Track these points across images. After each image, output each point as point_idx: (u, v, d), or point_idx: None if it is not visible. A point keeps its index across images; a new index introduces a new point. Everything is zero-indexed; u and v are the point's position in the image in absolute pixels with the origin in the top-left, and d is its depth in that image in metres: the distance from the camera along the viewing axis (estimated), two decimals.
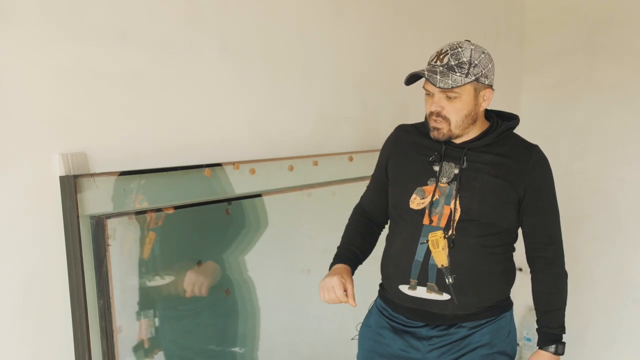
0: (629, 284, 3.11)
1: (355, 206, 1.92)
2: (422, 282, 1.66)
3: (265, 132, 2.13)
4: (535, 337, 1.80)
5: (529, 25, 3.38)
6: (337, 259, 1.76)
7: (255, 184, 2.07)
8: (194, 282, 1.89)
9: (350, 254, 1.77)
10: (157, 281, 1.82)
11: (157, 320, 1.81)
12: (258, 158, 2.08)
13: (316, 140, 2.32)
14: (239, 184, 2.02)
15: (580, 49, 3.19)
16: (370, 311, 1.87)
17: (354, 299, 1.63)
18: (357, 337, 1.88)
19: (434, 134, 1.66)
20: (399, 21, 2.60)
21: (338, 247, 1.80)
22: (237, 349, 2.08)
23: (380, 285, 1.85)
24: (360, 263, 1.79)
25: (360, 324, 1.87)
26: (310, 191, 2.25)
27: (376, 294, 1.87)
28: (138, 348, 1.77)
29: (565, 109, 3.28)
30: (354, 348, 1.91)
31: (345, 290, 1.63)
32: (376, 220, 1.87)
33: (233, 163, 1.98)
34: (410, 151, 1.75)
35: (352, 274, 1.73)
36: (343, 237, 1.84)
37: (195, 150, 1.92)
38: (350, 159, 2.42)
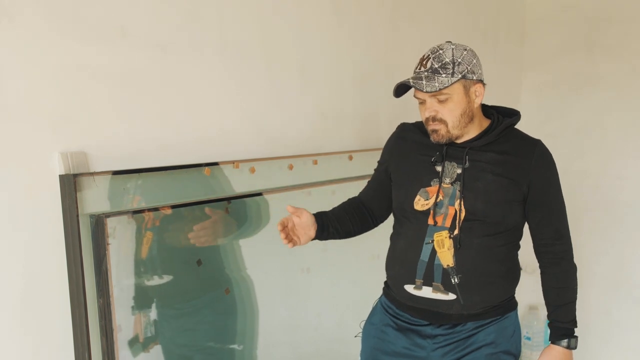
0: (628, 282, 3.11)
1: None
2: (427, 282, 1.67)
3: (265, 131, 2.13)
4: (535, 336, 1.81)
5: (529, 24, 3.38)
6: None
7: (255, 182, 2.07)
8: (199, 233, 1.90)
9: (322, 213, 1.77)
10: (157, 280, 1.82)
11: (156, 319, 1.81)
12: (258, 157, 2.08)
13: (316, 139, 2.32)
14: (239, 183, 2.02)
15: (581, 47, 3.19)
16: (374, 309, 1.87)
17: (288, 241, 1.67)
18: (360, 334, 1.89)
19: (433, 137, 1.67)
20: (398, 20, 2.60)
21: None
22: (236, 347, 2.08)
23: (385, 283, 1.85)
24: (331, 223, 1.76)
25: (364, 322, 1.88)
26: (310, 190, 2.24)
27: (379, 292, 1.88)
28: (136, 344, 1.77)
29: (565, 107, 3.27)
30: (354, 346, 1.91)
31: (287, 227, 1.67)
32: (369, 208, 1.86)
33: (233, 162, 1.98)
34: (412, 151, 1.75)
35: (318, 226, 1.72)
36: None
37: (195, 148, 1.92)
38: (350, 158, 2.42)
